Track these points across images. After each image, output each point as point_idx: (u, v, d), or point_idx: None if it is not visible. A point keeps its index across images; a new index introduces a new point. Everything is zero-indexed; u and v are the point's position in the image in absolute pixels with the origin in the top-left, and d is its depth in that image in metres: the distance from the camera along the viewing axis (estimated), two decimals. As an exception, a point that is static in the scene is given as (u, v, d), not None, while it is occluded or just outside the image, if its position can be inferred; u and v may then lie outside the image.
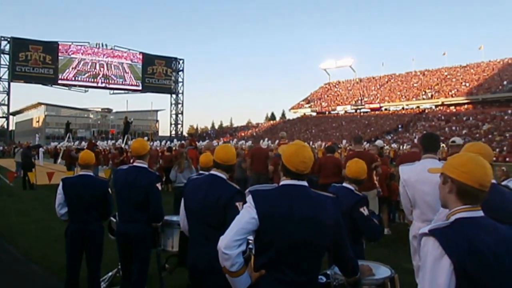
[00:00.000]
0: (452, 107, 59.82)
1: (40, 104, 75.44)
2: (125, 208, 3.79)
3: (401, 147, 35.69)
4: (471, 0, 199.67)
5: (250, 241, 2.30)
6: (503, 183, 2.84)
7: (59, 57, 56.55)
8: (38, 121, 78.14)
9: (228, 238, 2.05)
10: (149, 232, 3.85)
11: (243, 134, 66.71)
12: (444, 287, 1.53)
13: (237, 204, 2.59)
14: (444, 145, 30.82)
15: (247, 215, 2.09)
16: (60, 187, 4.13)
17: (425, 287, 1.58)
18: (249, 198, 2.15)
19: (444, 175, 1.76)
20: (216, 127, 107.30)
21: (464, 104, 59.17)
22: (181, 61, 63.43)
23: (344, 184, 3.48)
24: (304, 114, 78.46)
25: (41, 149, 26.56)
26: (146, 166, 3.92)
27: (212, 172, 2.99)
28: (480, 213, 1.67)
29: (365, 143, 24.88)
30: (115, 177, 3.89)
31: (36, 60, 54.63)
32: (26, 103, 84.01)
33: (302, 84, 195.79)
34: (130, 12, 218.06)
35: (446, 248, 1.54)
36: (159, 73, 61.57)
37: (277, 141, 24.87)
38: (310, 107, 78.89)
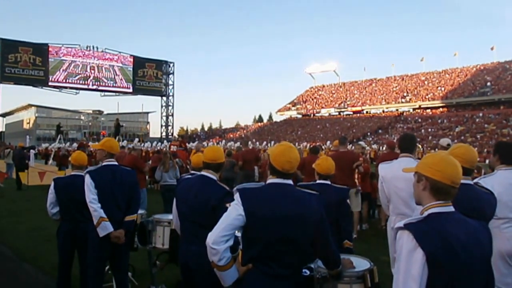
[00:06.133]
0: (428, 110, 61.63)
1: (30, 105, 74.74)
2: (112, 207, 3.72)
3: (380, 148, 36.26)
4: (448, 10, 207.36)
5: (238, 237, 2.34)
6: (474, 180, 2.90)
7: (50, 59, 53.93)
8: (29, 123, 77.37)
9: (216, 234, 2.12)
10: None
11: (231, 135, 67.47)
12: (417, 276, 1.58)
13: (227, 205, 2.50)
14: (420, 145, 33.13)
15: (234, 212, 2.16)
16: (52, 186, 4.12)
17: (400, 277, 1.63)
18: (236, 196, 2.21)
19: (418, 173, 1.83)
20: (206, 129, 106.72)
21: (439, 107, 60.93)
22: (171, 64, 63.02)
23: (321, 181, 3.57)
24: (290, 116, 79.24)
25: (32, 151, 26.40)
26: (117, 164, 3.96)
27: (203, 173, 3.03)
28: (451, 208, 1.75)
29: (350, 145, 26.31)
30: (93, 178, 3.71)
31: (26, 62, 51.58)
32: (16, 105, 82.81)
33: (289, 88, 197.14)
34: (121, 15, 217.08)
35: (419, 241, 1.60)
36: (149, 76, 60.51)
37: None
38: (296, 109, 79.76)
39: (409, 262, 1.62)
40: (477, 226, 1.76)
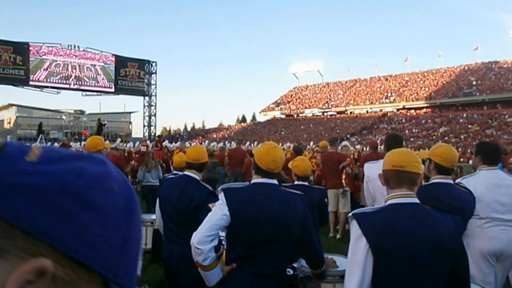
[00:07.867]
0: (412, 111, 62.12)
1: (11, 105, 73.72)
2: None
3: (364, 148, 37.25)
4: (432, 10, 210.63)
5: (222, 237, 2.34)
6: (457, 180, 2.97)
7: (30, 58, 53.13)
8: (9, 123, 76.35)
9: (201, 234, 2.11)
10: None
11: (215, 136, 67.21)
12: (361, 263, 1.68)
13: (210, 205, 2.53)
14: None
15: (219, 212, 2.15)
16: None
17: (348, 262, 1.76)
18: (221, 196, 2.20)
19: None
20: (189, 129, 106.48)
21: (423, 107, 61.42)
22: (154, 64, 62.53)
23: (299, 182, 3.53)
24: (274, 116, 79.24)
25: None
26: None
27: (186, 173, 3.02)
28: (413, 200, 1.78)
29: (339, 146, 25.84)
30: None
31: (6, 61, 50.72)
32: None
33: (272, 88, 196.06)
34: (102, 14, 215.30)
35: (364, 230, 1.69)
36: (132, 75, 59.93)
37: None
38: (279, 110, 79.79)
39: (355, 248, 1.73)
40: (440, 219, 1.76)
